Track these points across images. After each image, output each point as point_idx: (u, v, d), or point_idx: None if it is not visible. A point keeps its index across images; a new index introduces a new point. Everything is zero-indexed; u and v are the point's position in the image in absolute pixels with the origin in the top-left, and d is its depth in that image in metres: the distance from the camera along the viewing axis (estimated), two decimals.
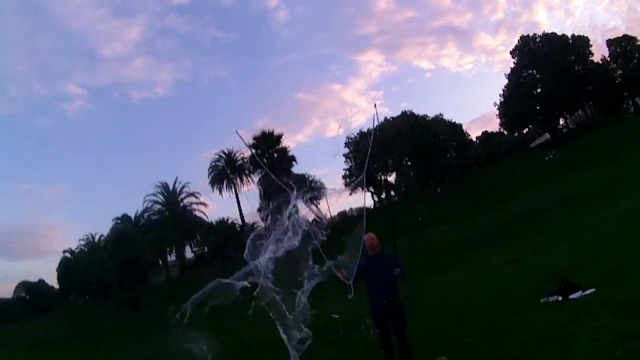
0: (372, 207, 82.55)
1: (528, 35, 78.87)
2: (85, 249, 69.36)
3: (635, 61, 74.08)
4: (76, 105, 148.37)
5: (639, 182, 28.26)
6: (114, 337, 29.31)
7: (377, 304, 8.01)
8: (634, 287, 8.68)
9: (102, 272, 47.79)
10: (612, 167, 39.67)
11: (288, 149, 72.51)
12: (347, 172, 77.79)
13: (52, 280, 78.24)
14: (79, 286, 68.98)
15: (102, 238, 67.23)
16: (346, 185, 75.41)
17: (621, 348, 6.05)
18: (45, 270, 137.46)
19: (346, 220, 70.83)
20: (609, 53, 76.79)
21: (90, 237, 71.66)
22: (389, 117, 78.13)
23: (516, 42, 79.82)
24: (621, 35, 77.87)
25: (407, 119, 75.64)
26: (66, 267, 69.48)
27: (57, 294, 78.86)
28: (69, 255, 72.87)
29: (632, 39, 75.49)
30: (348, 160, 77.92)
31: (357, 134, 76.68)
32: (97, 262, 47.84)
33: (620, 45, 75.48)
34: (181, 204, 74.54)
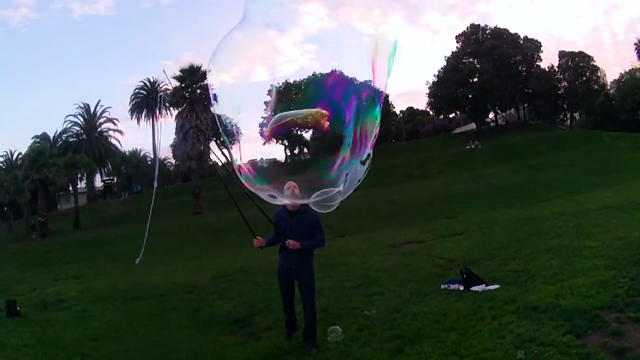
0: (283, 160, 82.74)
1: (479, 25, 79.72)
2: (3, 167, 66.30)
3: (584, 78, 76.82)
4: (20, 13, 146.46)
5: (556, 191, 29.60)
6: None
7: (284, 266, 7.66)
8: (540, 290, 8.78)
9: (15, 193, 45.95)
10: (533, 172, 41.37)
11: (212, 87, 69.33)
12: (265, 121, 76.58)
13: None
14: None
15: (20, 157, 64.81)
16: (261, 134, 74.70)
17: (523, 350, 6.01)
18: None
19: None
20: (559, 64, 79.13)
21: (9, 154, 69.35)
22: (317, 73, 77.11)
23: (465, 28, 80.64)
24: (577, 50, 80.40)
25: (336, 78, 74.93)
26: None
27: None
28: None
29: (587, 57, 78.11)
30: (267, 109, 76.72)
31: (283, 83, 75.80)
32: (13, 181, 45.75)
33: (573, 59, 77.90)
34: (98, 129, 74.65)
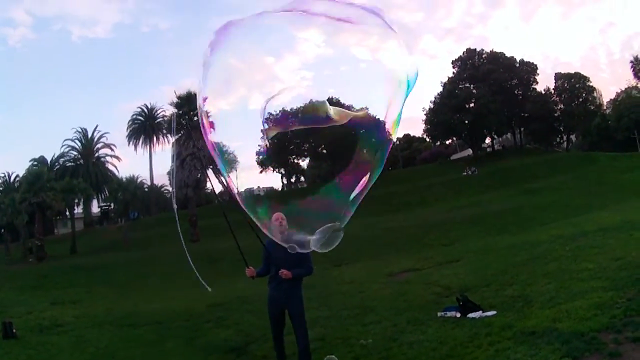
0: (280, 189, 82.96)
1: (475, 49, 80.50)
2: (1, 189, 66.08)
3: (580, 100, 77.48)
4: (19, 33, 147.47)
5: (553, 214, 29.59)
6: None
7: (275, 296, 7.72)
8: (537, 315, 8.71)
9: (12, 215, 46.13)
10: (530, 196, 41.46)
11: (209, 114, 70.10)
12: (262, 149, 77.20)
13: None
14: None
15: (17, 179, 64.77)
16: (258, 162, 75.59)
17: None
18: None
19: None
20: (555, 86, 79.96)
21: (7, 176, 69.31)
22: (314, 101, 77.60)
23: (461, 53, 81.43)
24: (573, 71, 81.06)
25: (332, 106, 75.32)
26: None
27: None
28: None
29: (584, 77, 78.81)
30: (264, 137, 77.14)
31: (280, 111, 76.04)
32: (10, 203, 45.97)
33: (569, 81, 78.65)
34: (96, 154, 75.33)
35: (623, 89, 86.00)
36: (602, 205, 30.54)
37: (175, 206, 7.99)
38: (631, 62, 77.94)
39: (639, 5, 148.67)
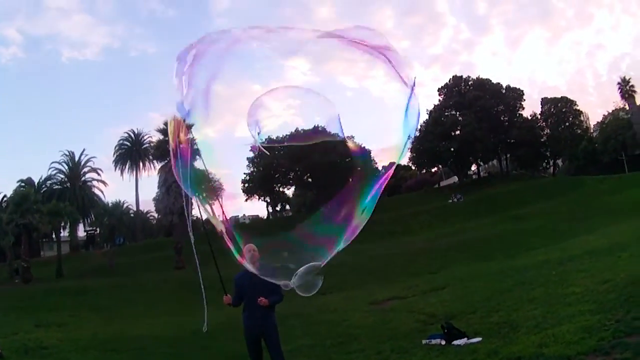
0: (265, 217, 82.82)
1: (461, 76, 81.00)
2: None
3: (567, 124, 78.14)
4: (11, 51, 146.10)
5: (540, 240, 29.55)
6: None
7: (250, 325, 7.79)
8: (523, 340, 8.57)
9: None
10: (516, 222, 41.49)
11: (195, 141, 70.38)
12: (248, 177, 77.38)
13: None
14: None
15: (4, 199, 64.75)
16: (245, 190, 75.81)
17: None
18: None
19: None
20: (541, 111, 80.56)
21: None
22: (300, 130, 78.23)
23: (448, 80, 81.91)
24: (559, 96, 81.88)
25: (318, 134, 75.51)
26: None
27: None
28: None
29: (570, 101, 79.62)
30: (250, 165, 77.47)
31: (265, 139, 76.33)
32: None
33: (556, 105, 79.38)
34: (82, 178, 74.57)
35: (610, 111, 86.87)
36: (590, 229, 30.51)
37: (192, 236, 7.85)
38: (618, 83, 78.09)
39: (626, 26, 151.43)
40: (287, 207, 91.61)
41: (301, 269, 7.00)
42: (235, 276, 7.84)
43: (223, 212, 8.03)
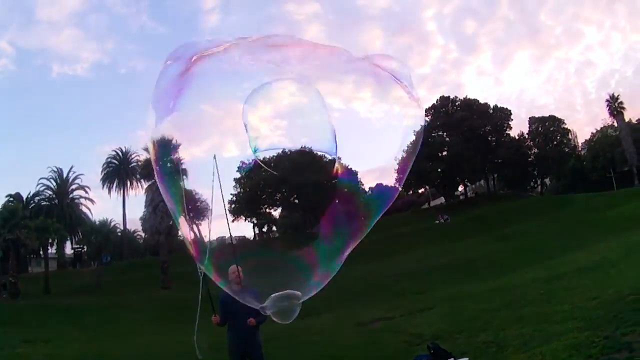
0: (252, 238, 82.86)
1: (449, 97, 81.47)
2: None
3: (555, 142, 78.62)
4: (2, 63, 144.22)
5: (528, 259, 29.45)
6: None
7: (235, 344, 8.04)
8: (511, 359, 8.42)
9: None
10: (504, 242, 41.48)
11: (182, 161, 70.72)
12: (235, 198, 77.32)
13: None
14: None
15: None
16: (231, 211, 75.79)
17: None
18: None
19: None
20: (529, 130, 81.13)
21: None
22: (287, 150, 78.71)
23: (435, 100, 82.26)
24: (547, 114, 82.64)
25: (305, 155, 75.85)
26: None
27: None
28: None
29: (558, 120, 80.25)
30: (237, 186, 77.47)
31: (252, 160, 76.87)
32: None
33: (544, 124, 79.92)
34: (70, 195, 75.33)
35: (598, 129, 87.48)
36: (578, 246, 30.42)
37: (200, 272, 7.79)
38: (607, 100, 77.90)
39: (615, 42, 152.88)
40: (274, 228, 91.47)
41: (275, 294, 7.09)
42: (221, 295, 7.83)
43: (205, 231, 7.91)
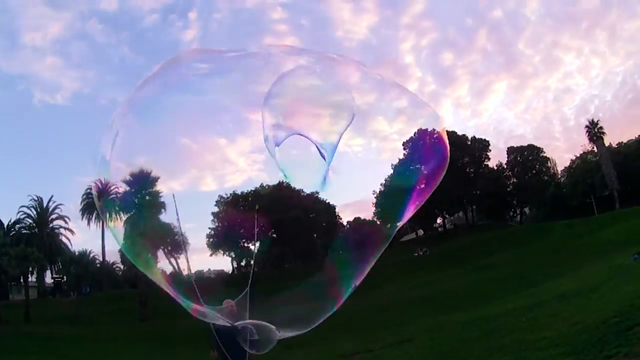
0: (230, 272, 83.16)
1: (426, 129, 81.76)
2: None
3: (534, 171, 79.26)
4: None
5: (509, 288, 29.31)
6: None
7: None
8: None
9: None
10: (484, 272, 41.41)
11: (161, 194, 70.61)
12: (213, 232, 76.86)
13: None
14: None
15: None
16: (209, 245, 75.82)
17: None
18: None
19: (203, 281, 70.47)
20: (507, 160, 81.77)
21: None
22: (265, 185, 79.34)
23: (412, 133, 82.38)
24: (526, 144, 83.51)
25: (283, 190, 75.85)
26: None
27: None
28: None
29: (537, 149, 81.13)
30: (215, 220, 77.11)
31: (230, 194, 77.86)
32: None
33: (522, 154, 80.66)
34: (50, 225, 75.32)
35: (578, 155, 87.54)
36: (560, 273, 30.41)
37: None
38: (586, 126, 78.25)
39: (595, 68, 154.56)
40: (252, 262, 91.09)
41: (248, 325, 7.54)
42: (216, 327, 7.97)
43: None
